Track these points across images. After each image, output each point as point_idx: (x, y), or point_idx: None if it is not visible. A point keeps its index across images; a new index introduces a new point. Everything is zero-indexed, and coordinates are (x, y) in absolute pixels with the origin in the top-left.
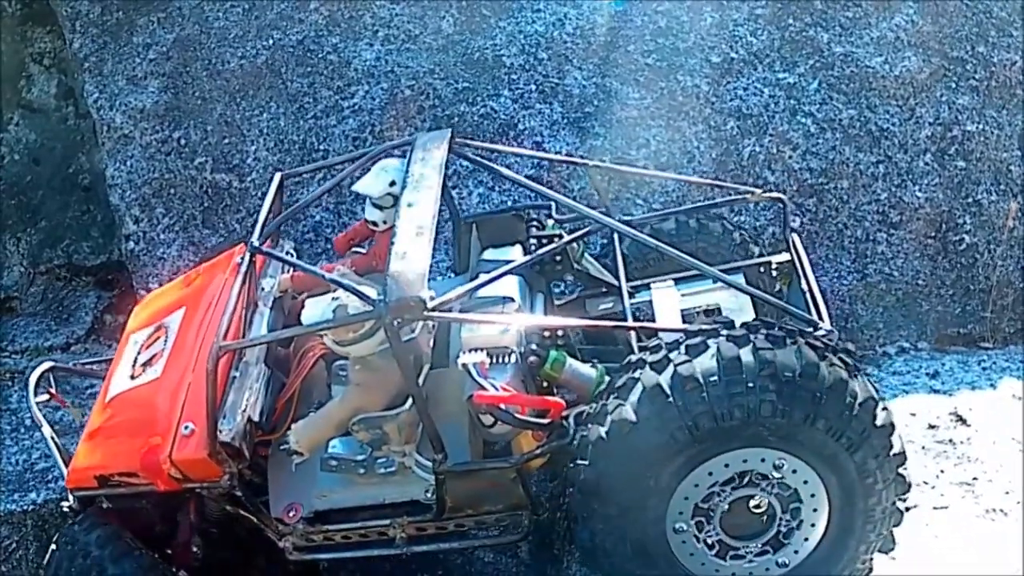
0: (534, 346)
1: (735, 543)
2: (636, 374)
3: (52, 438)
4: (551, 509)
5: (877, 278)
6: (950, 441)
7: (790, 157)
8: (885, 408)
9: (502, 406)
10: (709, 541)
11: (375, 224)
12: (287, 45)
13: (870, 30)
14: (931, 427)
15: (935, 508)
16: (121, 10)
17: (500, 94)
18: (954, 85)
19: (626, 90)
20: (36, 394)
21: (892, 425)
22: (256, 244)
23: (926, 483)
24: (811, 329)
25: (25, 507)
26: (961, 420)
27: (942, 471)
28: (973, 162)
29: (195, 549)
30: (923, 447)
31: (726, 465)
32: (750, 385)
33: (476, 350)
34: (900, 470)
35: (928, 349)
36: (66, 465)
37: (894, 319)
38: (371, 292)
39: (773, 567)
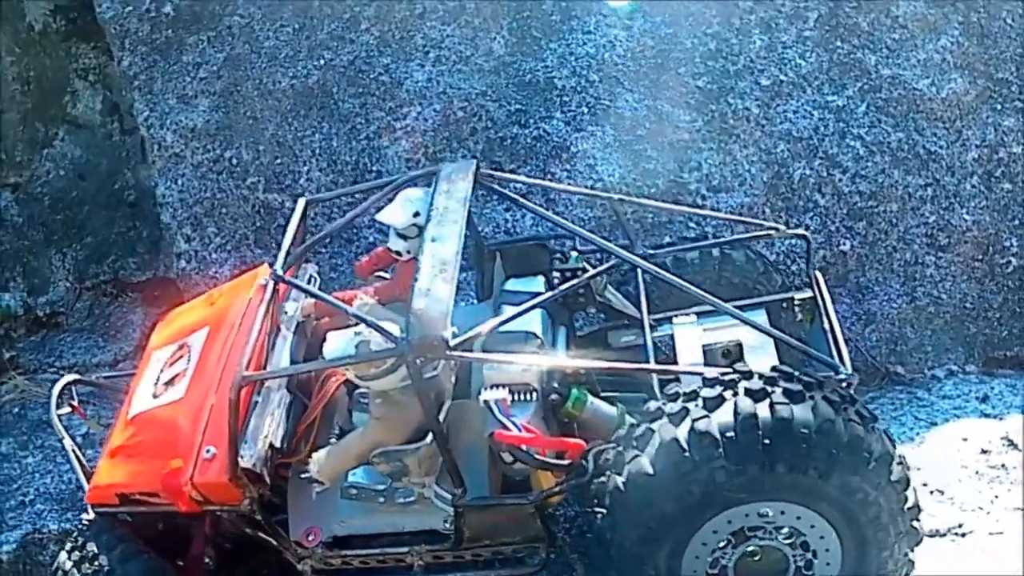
0: (556, 384)
1: None
2: (654, 424)
3: (73, 451)
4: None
5: (925, 301)
6: (1003, 466)
7: (840, 180)
8: (900, 462)
9: (523, 447)
10: None
11: (399, 253)
12: (338, 65)
13: (916, 52)
14: (984, 452)
15: (991, 534)
16: (170, 28)
17: (552, 116)
18: (1000, 107)
19: (677, 112)
20: (59, 407)
21: (907, 480)
22: (280, 273)
23: (981, 508)
24: (832, 373)
25: (79, 526)
26: (1012, 445)
27: (996, 496)
28: (1019, 184)
29: (207, 561)
30: (977, 472)
31: (729, 521)
32: (766, 442)
33: (498, 387)
34: (913, 523)
35: (976, 372)
36: (87, 478)
37: (942, 342)
38: (394, 329)
39: None
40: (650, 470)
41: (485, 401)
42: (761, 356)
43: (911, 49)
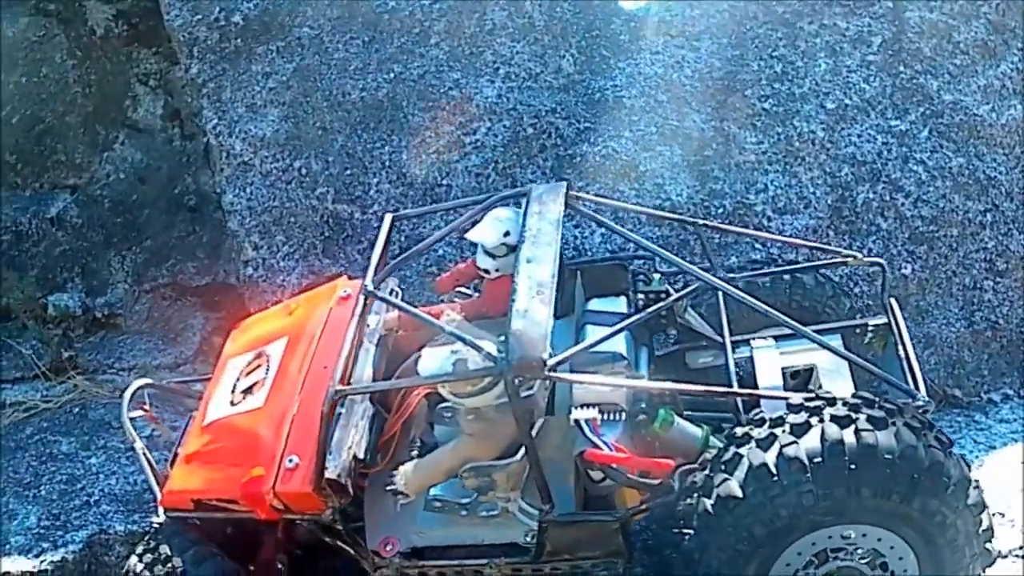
0: (643, 404)
1: None
2: (743, 449)
3: (144, 454)
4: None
5: (983, 325)
6: None
7: (902, 204)
8: (976, 486)
9: (614, 465)
10: None
11: (486, 271)
12: (408, 79)
13: (977, 78)
14: None
15: None
16: (239, 38)
17: (621, 135)
18: None
19: (744, 134)
20: (129, 410)
21: (983, 503)
22: (372, 288)
23: None
24: (908, 400)
25: (145, 528)
26: None
27: None
28: None
29: (280, 567)
30: None
31: (813, 543)
32: (852, 467)
33: (587, 406)
34: (987, 545)
35: None
36: (157, 482)
37: (999, 366)
38: (491, 348)
39: None
40: (739, 493)
41: (576, 420)
42: (837, 380)
43: (972, 75)
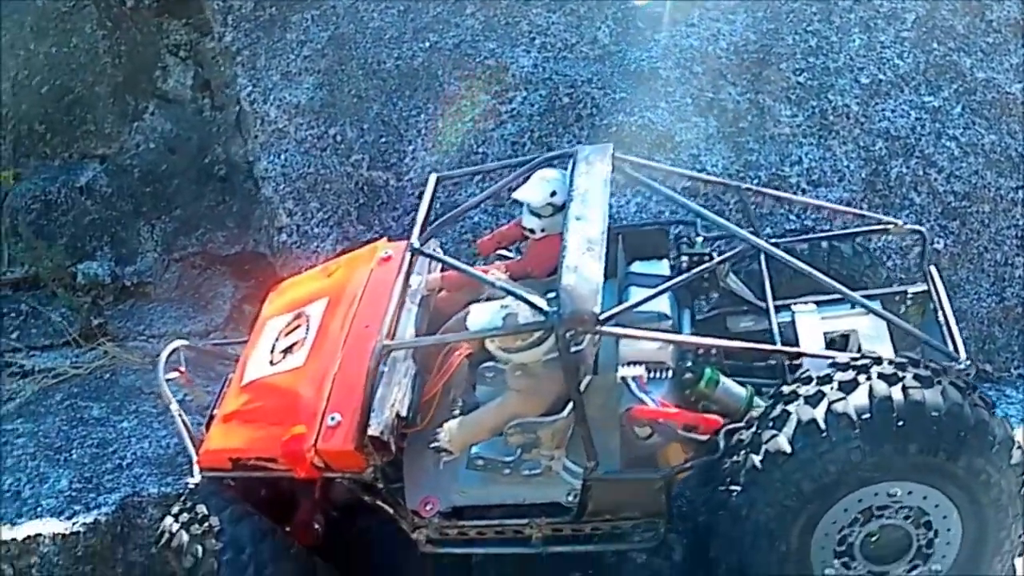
0: (689, 363)
1: (885, 568)
2: (791, 406)
3: (180, 415)
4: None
5: (1014, 301)
6: None
7: (935, 179)
8: (1020, 447)
9: (662, 420)
10: (860, 574)
11: (532, 231)
12: (444, 48)
13: (1009, 56)
14: None
15: None
16: (274, 6)
17: (657, 106)
18: None
19: (779, 107)
20: (165, 372)
21: None
22: (417, 245)
23: None
24: (951, 363)
25: (179, 490)
26: None
27: None
28: None
29: (316, 527)
30: None
31: (859, 500)
32: (900, 424)
33: (634, 363)
34: None
35: None
36: (192, 443)
37: None
38: (542, 303)
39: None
40: (788, 449)
41: (623, 377)
42: (877, 345)
43: (1004, 53)
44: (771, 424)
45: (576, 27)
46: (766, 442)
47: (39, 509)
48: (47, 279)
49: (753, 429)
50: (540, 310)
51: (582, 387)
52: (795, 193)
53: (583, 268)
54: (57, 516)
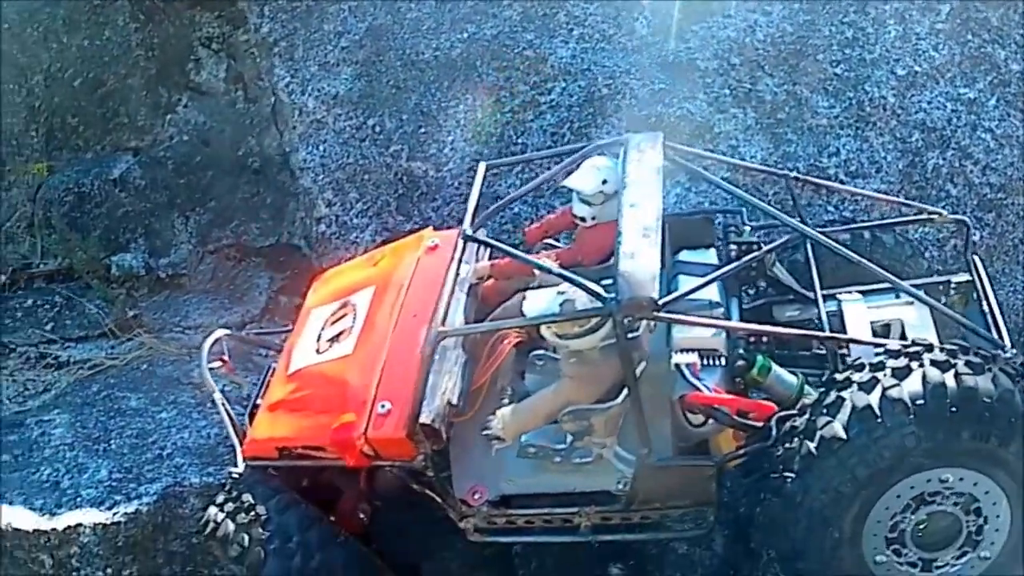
0: (741, 351)
1: (934, 555)
2: (844, 393)
3: (224, 405)
4: (747, 506)
5: None
6: None
7: (971, 171)
8: None
9: (716, 407)
10: (911, 561)
11: (583, 219)
12: (482, 39)
13: None
14: None
15: None
16: None
17: (696, 97)
18: None
19: (816, 98)
20: (208, 361)
21: None
22: (470, 232)
23: None
24: (998, 351)
25: (222, 480)
26: None
27: None
28: None
29: (361, 516)
30: None
31: (912, 487)
32: (953, 410)
33: (687, 351)
34: None
35: None
36: (236, 431)
37: None
38: (599, 289)
39: (978, 562)
40: (843, 435)
41: (676, 364)
42: (923, 333)
43: None
44: (825, 411)
45: (614, 18)
46: (821, 428)
47: (79, 499)
48: (81, 271)
49: (807, 416)
50: (598, 296)
51: (640, 372)
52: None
53: (640, 254)
54: (97, 506)
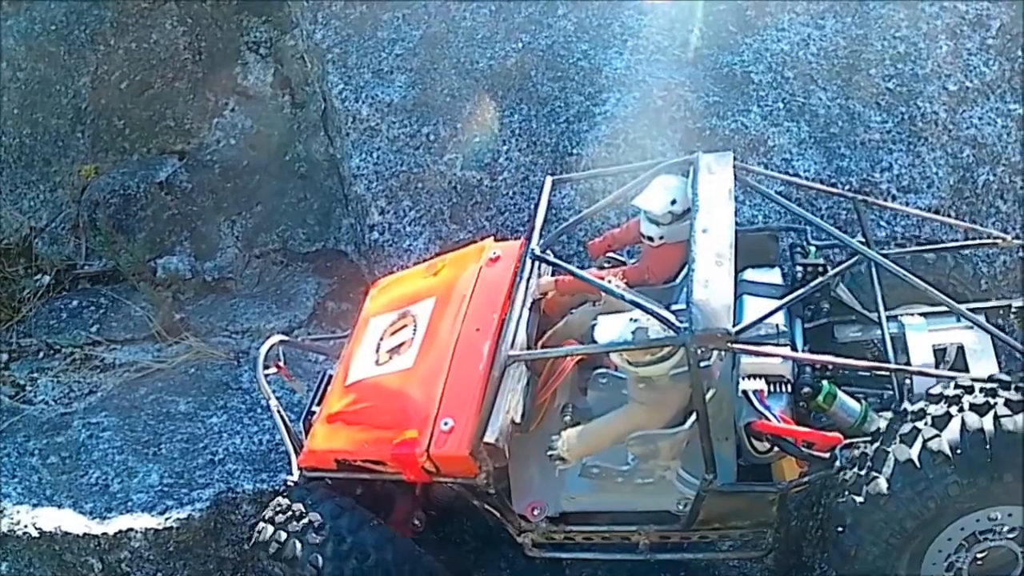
0: (808, 377)
1: None
2: (889, 447)
3: (279, 412)
4: (799, 519)
5: None
6: None
7: (1021, 188)
8: None
9: (783, 436)
10: None
11: (650, 239)
12: (536, 48)
13: None
14: None
15: None
16: (365, 5)
17: (750, 110)
18: None
19: (868, 112)
20: (265, 367)
21: None
22: (538, 251)
23: None
24: None
25: (276, 487)
26: None
27: None
28: None
29: (416, 523)
30: None
31: (962, 528)
32: (993, 454)
33: (754, 377)
34: None
35: None
36: (291, 439)
37: None
38: (673, 319)
39: None
40: (887, 490)
41: (744, 391)
42: (983, 359)
43: None
44: (871, 464)
45: (668, 30)
46: (867, 484)
47: (129, 503)
48: (127, 273)
49: (856, 468)
50: (672, 326)
51: (709, 400)
52: (885, 200)
53: (714, 283)
54: (149, 511)
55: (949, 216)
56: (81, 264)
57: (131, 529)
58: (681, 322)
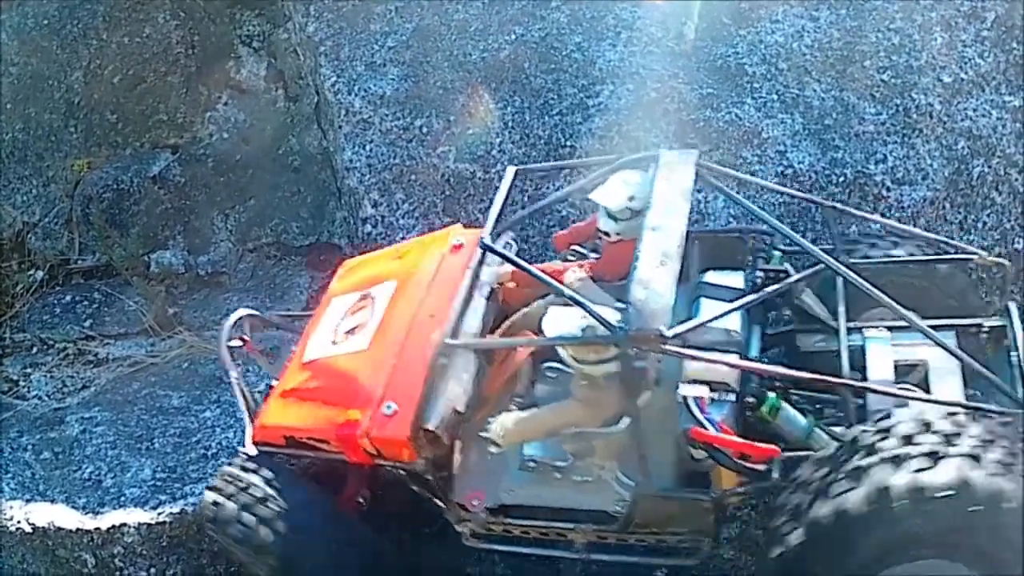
0: (753, 386)
1: None
2: (866, 462)
3: (239, 384)
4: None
5: None
6: None
7: (1016, 179)
8: None
9: (718, 446)
10: None
11: (606, 234)
12: (530, 41)
13: None
14: None
15: None
16: None
17: (744, 102)
18: None
19: (863, 105)
20: (229, 339)
21: None
22: (489, 242)
23: None
24: (1019, 409)
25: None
26: None
27: None
28: None
29: (360, 501)
30: None
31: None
32: (977, 508)
33: (697, 382)
34: None
35: None
36: (249, 412)
37: None
38: (611, 315)
39: None
40: (857, 511)
41: (684, 397)
42: (947, 379)
43: None
44: (842, 476)
45: (661, 22)
46: (834, 496)
47: (122, 498)
48: (120, 268)
49: (824, 475)
50: (607, 324)
51: (642, 402)
52: (880, 192)
53: (654, 283)
54: (142, 506)
55: (944, 207)
56: (74, 259)
57: (124, 524)
58: (618, 322)
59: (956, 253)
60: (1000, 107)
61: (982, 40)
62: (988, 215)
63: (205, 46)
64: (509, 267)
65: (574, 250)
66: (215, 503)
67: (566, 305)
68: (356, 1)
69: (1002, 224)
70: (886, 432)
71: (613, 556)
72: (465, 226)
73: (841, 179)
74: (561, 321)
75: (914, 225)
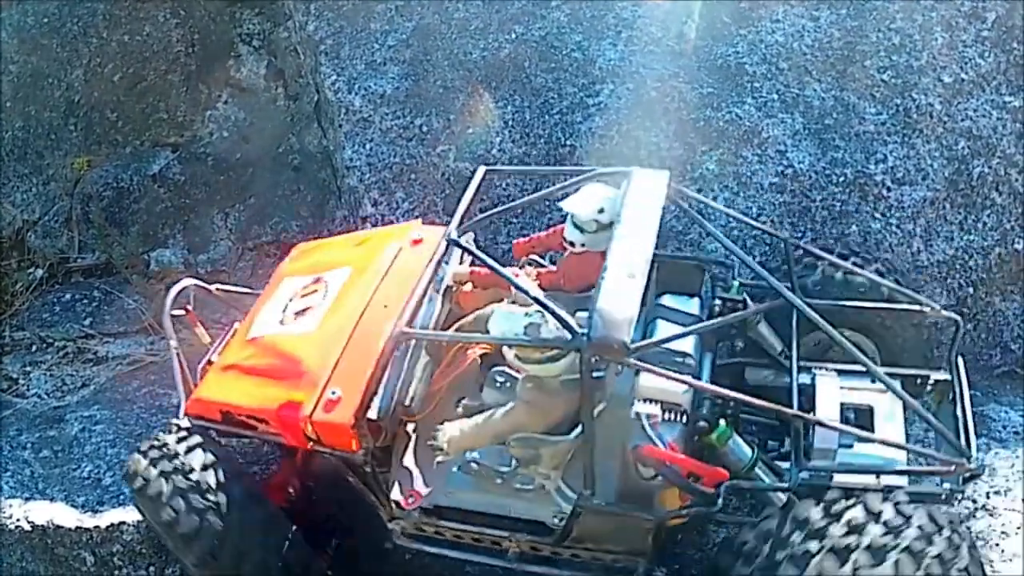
0: (705, 411)
1: None
2: (812, 547)
3: (178, 353)
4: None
5: None
6: None
7: (1016, 180)
8: None
9: (669, 464)
10: None
11: (571, 244)
12: (530, 40)
13: None
14: None
15: None
16: None
17: (744, 101)
18: None
19: (863, 104)
20: (172, 307)
21: None
22: (455, 237)
23: None
24: (963, 459)
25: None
26: None
27: None
28: None
29: (290, 491)
30: None
31: None
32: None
33: (650, 401)
34: None
35: None
36: (186, 384)
37: None
38: (574, 322)
39: None
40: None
41: (637, 413)
42: (890, 424)
43: None
44: (785, 558)
45: (662, 21)
46: (798, 554)
47: (121, 497)
48: (120, 266)
49: (766, 551)
50: (570, 328)
51: (596, 413)
52: (880, 192)
53: (621, 295)
54: None
55: (944, 207)
56: (74, 257)
57: (123, 522)
58: (581, 327)
59: (910, 303)
60: (1000, 107)
61: (982, 40)
62: (988, 215)
63: (205, 45)
64: (466, 268)
65: (531, 259)
66: (145, 475)
67: (515, 305)
68: (356, 0)
69: (1002, 224)
70: (835, 518)
71: (545, 569)
72: (425, 223)
73: (841, 179)
74: (506, 320)
75: (914, 226)
